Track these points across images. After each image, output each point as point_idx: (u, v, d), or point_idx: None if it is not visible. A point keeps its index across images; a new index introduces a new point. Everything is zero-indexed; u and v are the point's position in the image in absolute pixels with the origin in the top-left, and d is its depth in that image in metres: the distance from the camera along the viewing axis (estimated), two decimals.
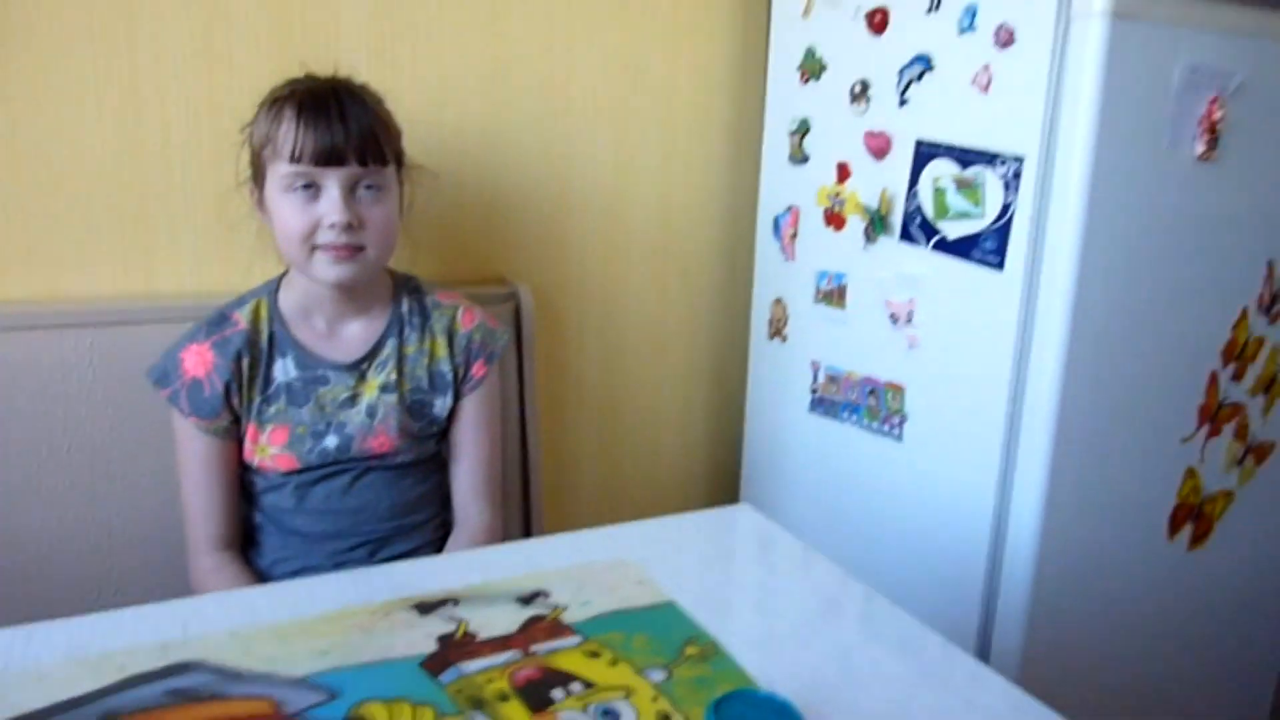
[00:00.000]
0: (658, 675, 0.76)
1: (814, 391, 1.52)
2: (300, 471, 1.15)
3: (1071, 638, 1.33)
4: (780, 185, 1.56)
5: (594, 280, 1.64)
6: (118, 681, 0.72)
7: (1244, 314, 1.38)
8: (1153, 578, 1.40)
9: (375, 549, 1.17)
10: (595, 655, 0.78)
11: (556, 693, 0.73)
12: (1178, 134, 1.22)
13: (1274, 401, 1.48)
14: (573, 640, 0.81)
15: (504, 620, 0.84)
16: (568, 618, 0.85)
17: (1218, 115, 1.23)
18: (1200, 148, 1.23)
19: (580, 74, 1.55)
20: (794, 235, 1.54)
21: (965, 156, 1.25)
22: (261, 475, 1.16)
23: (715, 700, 0.67)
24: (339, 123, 1.07)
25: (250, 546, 1.18)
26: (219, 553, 1.15)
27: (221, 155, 1.27)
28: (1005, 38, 1.19)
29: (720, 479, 1.84)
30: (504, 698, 0.72)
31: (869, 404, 1.42)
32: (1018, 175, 1.19)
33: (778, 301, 1.59)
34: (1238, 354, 1.39)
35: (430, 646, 0.79)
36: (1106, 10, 1.11)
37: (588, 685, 0.74)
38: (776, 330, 1.60)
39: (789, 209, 1.54)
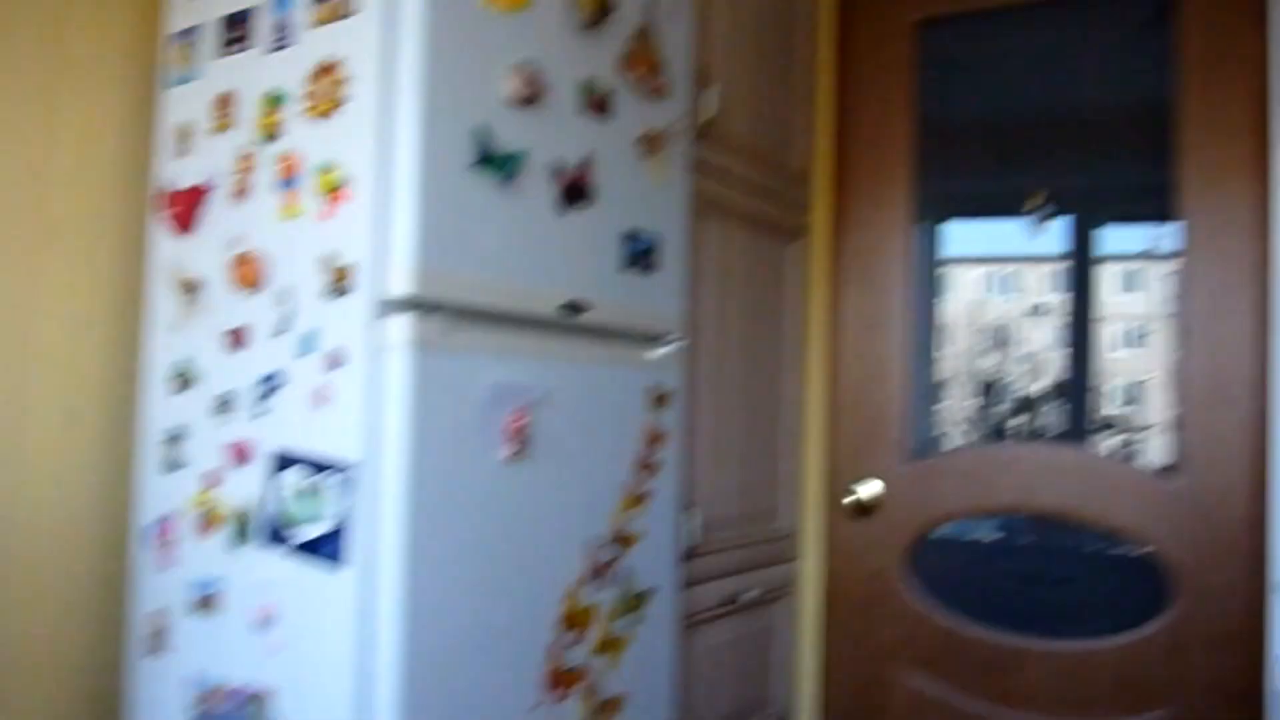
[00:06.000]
0: None
1: (194, 707, 1.52)
2: None
3: None
4: (153, 494, 1.60)
5: None
6: None
7: (574, 586, 1.61)
8: None
9: None
10: None
11: None
12: (486, 440, 1.44)
13: (618, 658, 1.71)
14: None
15: None
16: None
17: (522, 423, 1.48)
18: (508, 450, 1.47)
19: None
20: (168, 544, 1.57)
21: (310, 464, 1.39)
22: None
23: None
24: None
25: None
26: None
27: None
28: (335, 361, 1.37)
29: None
30: None
31: (242, 713, 1.46)
32: (352, 481, 1.34)
33: (154, 615, 1.59)
34: (574, 623, 1.61)
35: None
36: (409, 343, 1.33)
37: None
38: (154, 646, 1.58)
39: (162, 518, 1.58)
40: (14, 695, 1.58)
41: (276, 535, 1.41)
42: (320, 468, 1.37)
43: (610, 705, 1.68)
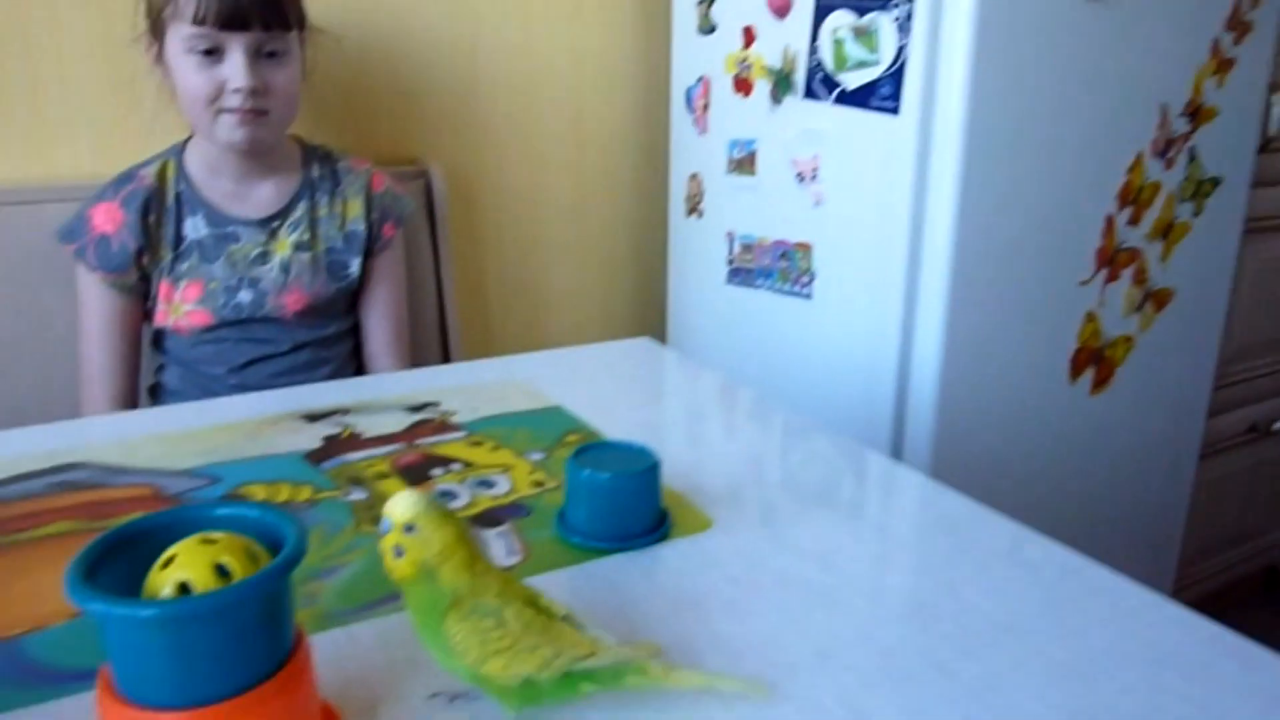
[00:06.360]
0: (537, 456, 0.84)
1: (730, 262, 1.58)
2: (214, 328, 1.19)
3: (976, 480, 1.40)
4: (690, 56, 1.59)
5: (509, 161, 1.67)
6: (3, 478, 0.78)
7: (1139, 158, 1.41)
8: (1055, 420, 1.46)
9: None
10: (478, 444, 0.86)
11: (436, 471, 0.81)
12: None
13: (1172, 248, 1.52)
14: (457, 434, 0.88)
15: (392, 423, 0.91)
16: (454, 420, 0.92)
17: None
18: None
19: None
20: (705, 106, 1.57)
21: (861, 4, 1.27)
22: (174, 337, 1.21)
23: (578, 448, 0.71)
24: None
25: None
26: (117, 410, 1.20)
27: (112, 18, 1.28)
28: None
29: None
30: (383, 476, 0.79)
31: (781, 267, 1.48)
32: (909, 18, 1.21)
33: (693, 177, 1.63)
34: (1133, 198, 1.42)
35: (316, 444, 0.86)
36: None
37: (467, 465, 0.82)
38: (693, 206, 1.64)
39: (699, 80, 1.57)
40: (571, 241, 1.78)
41: (820, 87, 1.36)
42: (870, 8, 1.26)
43: (1160, 296, 1.53)
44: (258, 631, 0.43)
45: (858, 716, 0.51)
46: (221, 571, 0.43)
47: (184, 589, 0.42)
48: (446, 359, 1.55)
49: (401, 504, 0.48)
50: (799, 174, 1.42)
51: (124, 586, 0.44)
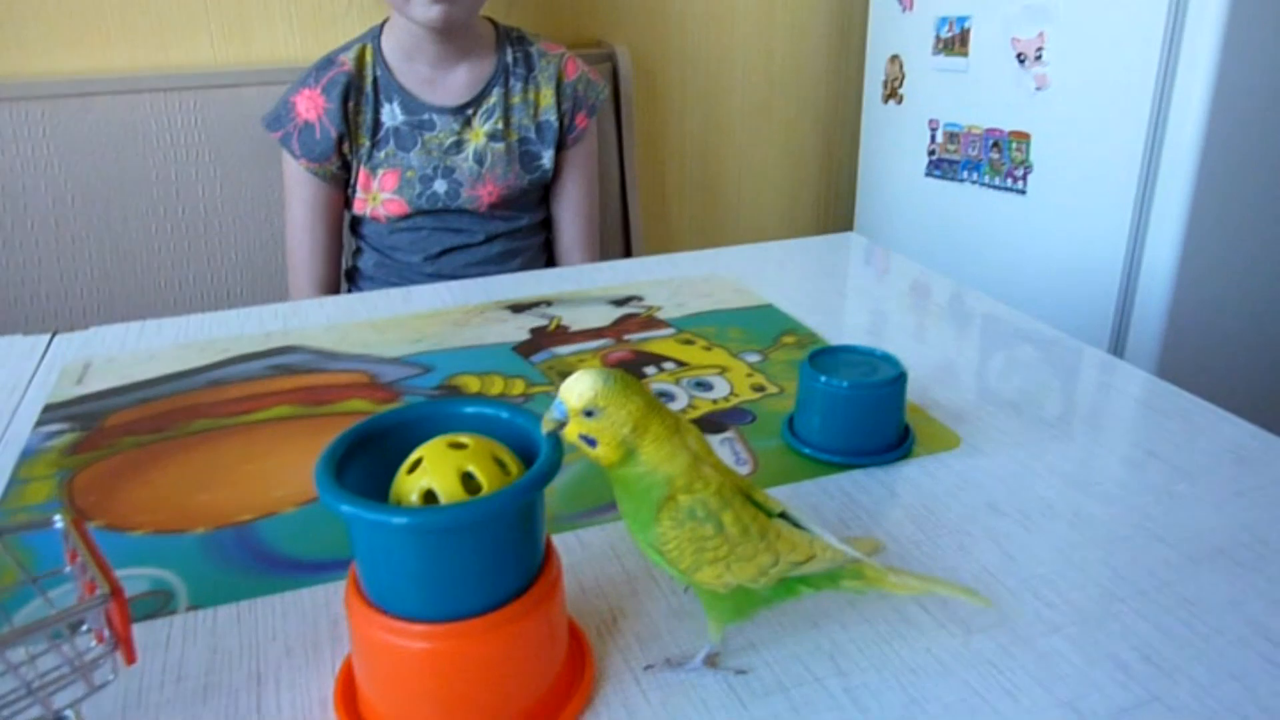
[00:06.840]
0: (753, 358, 0.79)
1: (931, 153, 1.46)
2: (410, 216, 1.18)
3: (1204, 398, 1.21)
4: None
5: (695, 44, 1.59)
6: (223, 359, 0.79)
7: None
8: None
9: None
10: (689, 343, 0.81)
11: (649, 369, 0.76)
12: None
13: None
14: (666, 331, 0.84)
15: (597, 317, 0.87)
16: (661, 315, 0.87)
17: None
18: None
19: None
20: None
21: None
22: (371, 223, 1.21)
23: (812, 352, 0.65)
24: None
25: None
26: (320, 294, 1.21)
27: None
28: None
29: None
30: None
31: (991, 159, 1.36)
32: None
33: (893, 58, 1.50)
34: None
35: (523, 336, 0.83)
36: None
37: (681, 365, 0.77)
38: (891, 91, 1.52)
39: None
40: (755, 130, 1.69)
41: None
42: None
43: None
44: (511, 546, 0.40)
45: (1166, 676, 0.44)
46: (468, 479, 0.40)
47: (430, 497, 0.39)
48: (628, 251, 1.51)
49: (577, 389, 0.42)
50: (1019, 55, 1.28)
51: (370, 482, 0.41)
